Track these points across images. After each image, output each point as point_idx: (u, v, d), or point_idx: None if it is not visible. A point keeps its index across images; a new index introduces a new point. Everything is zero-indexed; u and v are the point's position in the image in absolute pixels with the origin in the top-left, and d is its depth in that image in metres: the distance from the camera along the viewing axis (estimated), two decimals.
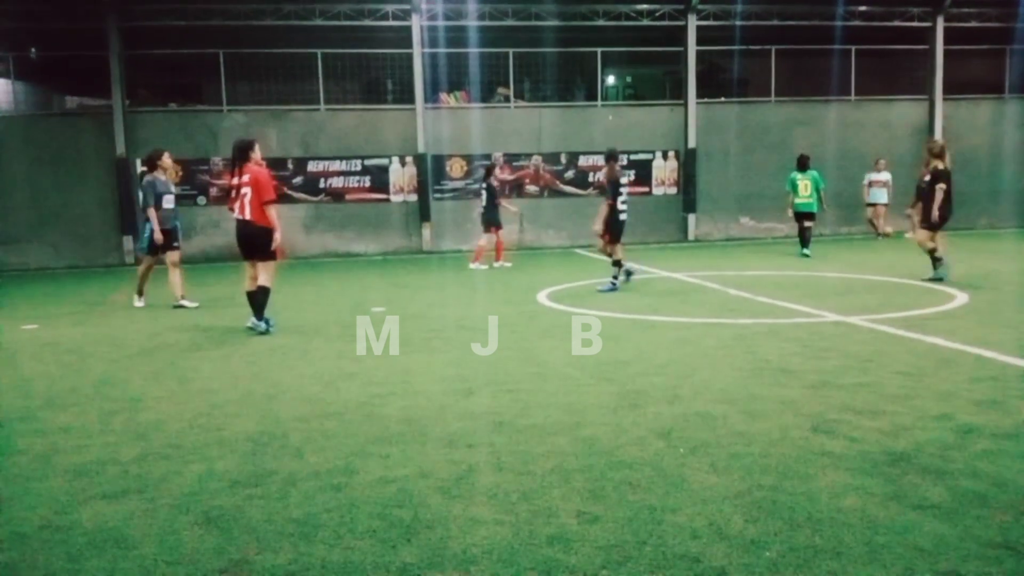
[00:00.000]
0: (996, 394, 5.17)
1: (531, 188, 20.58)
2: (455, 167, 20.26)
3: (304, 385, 6.09)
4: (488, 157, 20.00)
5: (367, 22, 19.67)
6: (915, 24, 21.55)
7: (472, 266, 14.97)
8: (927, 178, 11.07)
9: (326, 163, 19.83)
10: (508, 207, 16.00)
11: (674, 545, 3.15)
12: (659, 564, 3.00)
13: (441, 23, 20.07)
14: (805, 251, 15.43)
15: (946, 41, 21.50)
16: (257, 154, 8.69)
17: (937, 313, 8.42)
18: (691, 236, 21.07)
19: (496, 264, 15.09)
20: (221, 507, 3.69)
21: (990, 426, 4.50)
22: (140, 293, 11.07)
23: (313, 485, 3.94)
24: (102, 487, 4.01)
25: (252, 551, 3.21)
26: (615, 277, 11.11)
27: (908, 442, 4.28)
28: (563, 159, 20.69)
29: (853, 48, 21.31)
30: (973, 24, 21.69)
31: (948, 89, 21.75)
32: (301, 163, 19.76)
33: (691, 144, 20.94)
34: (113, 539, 3.38)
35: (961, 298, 9.35)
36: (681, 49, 20.88)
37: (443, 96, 20.66)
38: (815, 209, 15.53)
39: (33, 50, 20.28)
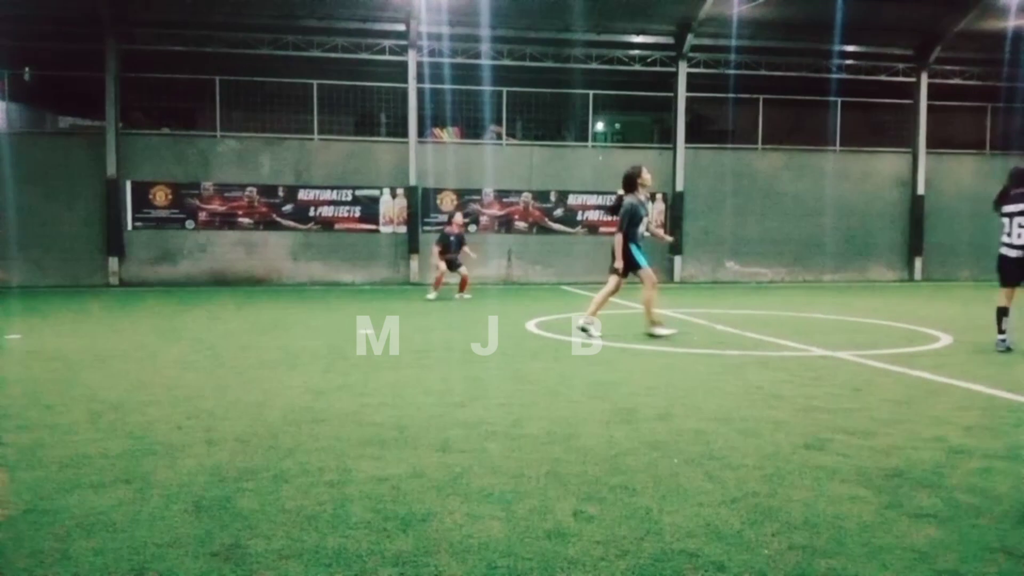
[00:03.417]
0: (986, 421, 5.20)
1: (520, 224, 20.70)
2: (445, 200, 20.37)
3: (292, 395, 6.04)
4: (479, 192, 20.21)
5: (364, 55, 19.90)
6: (900, 79, 22.07)
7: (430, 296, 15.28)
8: None
9: (317, 192, 19.89)
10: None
11: (672, 542, 3.13)
12: (658, 558, 2.98)
13: (437, 59, 20.34)
14: None
15: (930, 97, 22.03)
16: None
17: (923, 351, 8.49)
18: (677, 278, 21.22)
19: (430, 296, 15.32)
20: (212, 497, 3.63)
21: (982, 448, 4.52)
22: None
23: (305, 481, 3.89)
24: (90, 477, 3.94)
25: (245, 536, 3.16)
26: None
27: (901, 459, 4.29)
28: (552, 197, 20.88)
29: (839, 100, 21.78)
30: (956, 81, 22.25)
31: (931, 144, 22.22)
32: (292, 191, 19.81)
33: (679, 187, 21.19)
34: (102, 523, 3.31)
35: (945, 339, 9.45)
36: (671, 95, 21.26)
37: (436, 131, 20.86)
38: None
39: (27, 70, 20.33)
